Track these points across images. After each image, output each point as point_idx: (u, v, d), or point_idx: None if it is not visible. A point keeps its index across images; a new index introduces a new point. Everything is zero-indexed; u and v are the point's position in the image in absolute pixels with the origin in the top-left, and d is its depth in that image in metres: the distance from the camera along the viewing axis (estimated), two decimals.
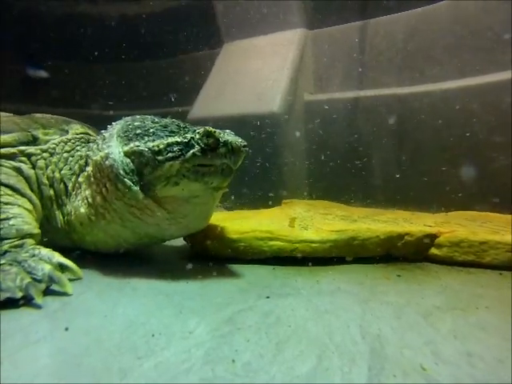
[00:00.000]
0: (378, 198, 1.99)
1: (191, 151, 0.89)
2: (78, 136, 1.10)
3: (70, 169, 1.03)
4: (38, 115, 1.17)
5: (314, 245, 1.06)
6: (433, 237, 1.14)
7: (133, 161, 0.91)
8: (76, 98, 2.89)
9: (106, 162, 0.91)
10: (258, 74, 2.37)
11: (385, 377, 0.49)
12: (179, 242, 1.20)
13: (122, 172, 0.90)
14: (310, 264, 1.04)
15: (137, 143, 0.92)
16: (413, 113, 1.98)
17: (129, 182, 0.89)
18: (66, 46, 2.92)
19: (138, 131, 0.94)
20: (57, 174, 1.02)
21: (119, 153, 0.92)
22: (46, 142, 1.04)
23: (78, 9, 2.95)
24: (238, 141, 0.94)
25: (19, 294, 0.69)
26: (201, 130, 0.91)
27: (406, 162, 2.00)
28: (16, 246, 0.80)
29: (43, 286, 0.72)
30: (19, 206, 0.90)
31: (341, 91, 2.23)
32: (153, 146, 0.90)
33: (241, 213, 1.44)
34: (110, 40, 2.99)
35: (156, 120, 0.99)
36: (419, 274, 1.02)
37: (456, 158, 1.87)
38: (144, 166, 0.90)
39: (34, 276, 0.73)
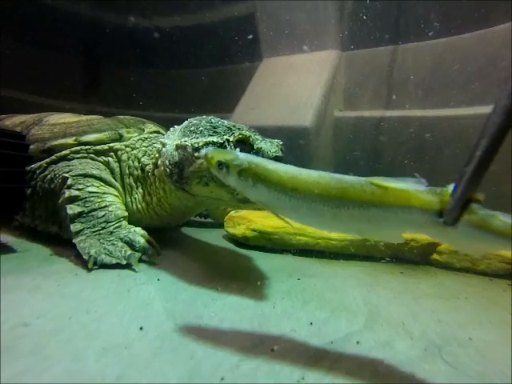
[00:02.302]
0: None
1: None
2: (151, 133, 1.32)
3: (149, 156, 1.22)
4: (121, 117, 1.41)
5: (333, 242, 1.31)
6: (435, 245, 1.36)
7: (179, 154, 0.99)
8: (130, 100, 3.27)
9: (163, 150, 1.09)
10: (293, 89, 2.63)
11: (375, 325, 0.73)
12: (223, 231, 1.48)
13: (167, 162, 1.04)
14: (330, 257, 1.29)
15: (185, 139, 0.99)
16: (433, 135, 2.17)
17: (168, 172, 1.03)
18: (124, 52, 3.32)
19: (192, 128, 1.02)
20: (136, 164, 1.23)
21: (171, 145, 1.04)
22: (129, 138, 1.26)
23: (136, 22, 3.33)
24: (271, 150, 0.93)
25: (124, 262, 0.96)
26: (237, 133, 0.93)
27: (424, 179, 2.19)
28: (117, 227, 1.06)
29: (139, 254, 1.00)
30: (111, 194, 1.15)
31: (368, 110, 2.45)
32: (194, 143, 0.95)
33: None
34: (159, 49, 3.37)
35: (212, 120, 1.03)
36: (419, 272, 1.24)
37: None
38: (185, 160, 0.97)
39: (133, 247, 1.00)
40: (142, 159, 1.22)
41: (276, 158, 0.92)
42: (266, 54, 2.98)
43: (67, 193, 1.05)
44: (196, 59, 3.32)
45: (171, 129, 1.17)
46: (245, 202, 0.94)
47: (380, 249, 1.35)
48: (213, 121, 1.03)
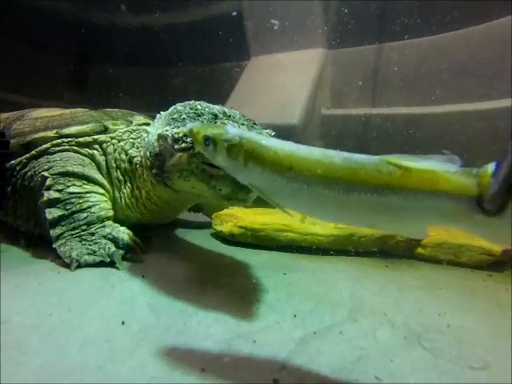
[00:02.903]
0: None
1: None
2: (141, 125, 1.24)
3: (137, 148, 1.15)
4: (108, 109, 1.33)
5: (319, 237, 1.32)
6: (419, 239, 1.38)
7: (160, 145, 0.91)
8: (118, 99, 3.24)
9: (145, 140, 1.05)
10: (280, 87, 2.64)
11: (358, 316, 0.74)
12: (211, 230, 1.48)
13: (148, 153, 0.98)
14: (316, 253, 1.30)
15: (167, 128, 0.89)
16: (418, 131, 2.20)
17: (148, 164, 0.97)
18: (109, 51, 3.29)
19: (175, 116, 0.91)
20: (123, 156, 1.16)
21: (154, 135, 0.95)
22: (115, 131, 1.19)
23: (125, 20, 3.30)
24: None
25: (107, 259, 0.94)
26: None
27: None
28: (100, 227, 1.02)
29: (123, 252, 0.98)
30: (95, 192, 1.09)
31: (355, 107, 2.48)
32: (175, 133, 0.85)
33: (263, 209, 1.71)
34: (147, 47, 3.34)
35: (198, 107, 0.92)
36: (404, 266, 1.26)
37: None
38: (166, 152, 0.89)
39: (117, 244, 0.98)
40: (130, 151, 1.15)
41: None
42: (254, 52, 2.98)
43: (46, 195, 0.99)
44: (183, 58, 3.30)
45: (157, 115, 1.08)
46: (229, 199, 0.84)
47: (365, 243, 1.36)
48: (198, 107, 0.92)
